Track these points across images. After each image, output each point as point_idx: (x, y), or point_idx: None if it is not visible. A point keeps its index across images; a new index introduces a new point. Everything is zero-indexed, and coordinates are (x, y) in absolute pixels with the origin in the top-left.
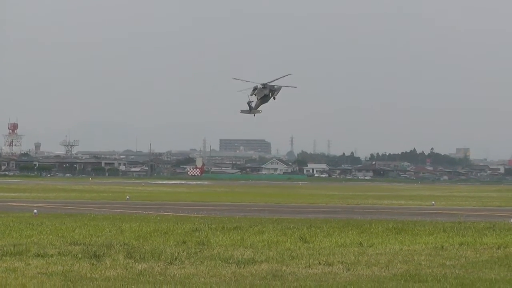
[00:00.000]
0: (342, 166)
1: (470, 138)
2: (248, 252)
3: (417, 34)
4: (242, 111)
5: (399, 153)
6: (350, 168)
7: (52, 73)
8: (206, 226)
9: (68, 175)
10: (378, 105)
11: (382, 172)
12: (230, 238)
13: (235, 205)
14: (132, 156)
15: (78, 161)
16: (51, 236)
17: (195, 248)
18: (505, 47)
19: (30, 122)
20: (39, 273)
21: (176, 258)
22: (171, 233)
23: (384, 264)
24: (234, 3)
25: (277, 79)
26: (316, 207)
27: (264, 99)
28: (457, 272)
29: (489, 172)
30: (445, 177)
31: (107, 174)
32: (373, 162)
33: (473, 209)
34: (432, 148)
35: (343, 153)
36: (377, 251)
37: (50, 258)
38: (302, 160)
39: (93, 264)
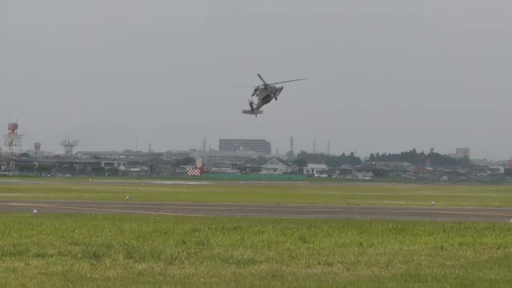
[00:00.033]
0: (342, 166)
1: (470, 138)
2: (248, 252)
3: (417, 34)
4: (244, 112)
5: (399, 153)
6: (350, 168)
7: (52, 73)
8: (206, 226)
9: (68, 175)
10: (378, 105)
11: (382, 172)
12: (230, 238)
13: (235, 205)
14: (132, 156)
15: (78, 161)
16: (51, 236)
17: (195, 248)
18: (505, 47)
19: (30, 122)
20: (39, 273)
21: (176, 258)
22: (171, 233)
23: (384, 264)
24: (234, 3)
25: (291, 80)
26: (316, 207)
27: (265, 99)
28: (457, 272)
29: (489, 172)
30: (445, 177)
31: (107, 174)
32: (373, 162)
33: (473, 209)
34: (432, 148)
35: (343, 153)
36: (377, 251)
37: (50, 258)
38: (302, 160)
39: (93, 264)
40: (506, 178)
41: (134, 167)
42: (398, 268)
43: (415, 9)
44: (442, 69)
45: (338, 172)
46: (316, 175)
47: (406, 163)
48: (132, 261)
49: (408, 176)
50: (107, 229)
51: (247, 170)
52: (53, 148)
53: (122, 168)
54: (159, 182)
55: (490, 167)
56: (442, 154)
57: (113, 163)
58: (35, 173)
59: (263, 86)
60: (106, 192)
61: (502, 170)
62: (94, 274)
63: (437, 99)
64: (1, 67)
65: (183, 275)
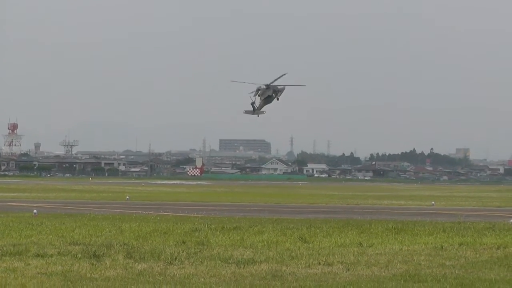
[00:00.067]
0: (342, 166)
1: (470, 138)
2: (247, 252)
3: (417, 34)
4: (246, 112)
5: (399, 153)
6: (350, 168)
7: (52, 73)
8: (206, 226)
9: (68, 175)
10: (378, 105)
11: (382, 172)
12: (229, 238)
13: (235, 205)
14: (132, 156)
15: (78, 161)
16: (51, 236)
17: (194, 248)
18: (505, 47)
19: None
20: (38, 273)
21: (175, 258)
22: (171, 233)
23: (383, 264)
24: (234, 3)
25: (276, 79)
26: (316, 207)
27: (267, 99)
28: (456, 272)
29: (488, 172)
30: (445, 177)
31: (106, 174)
32: (373, 162)
33: (472, 209)
34: (432, 148)
35: (343, 153)
36: (376, 251)
37: (49, 258)
38: (302, 160)
39: (92, 264)
40: (506, 178)
41: (134, 167)
42: (398, 268)
43: (415, 9)
44: (442, 69)
45: (338, 172)
46: (316, 175)
47: (406, 163)
48: (132, 261)
49: (408, 176)
50: (107, 229)
51: (247, 170)
52: (53, 148)
53: (122, 168)
54: (159, 182)
55: (490, 167)
56: (442, 154)
57: (113, 163)
58: (35, 173)
59: (265, 87)
60: (106, 192)
61: (502, 170)
62: (94, 274)
63: (437, 99)
64: (1, 67)
65: (183, 275)
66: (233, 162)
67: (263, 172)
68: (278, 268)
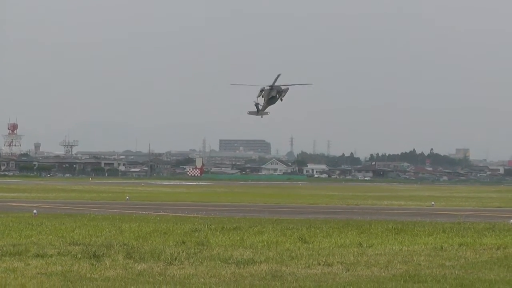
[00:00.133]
0: (342, 167)
1: (470, 139)
2: (247, 253)
3: (417, 34)
4: (250, 113)
5: (399, 153)
6: (350, 168)
7: (52, 73)
8: (206, 226)
9: (68, 175)
10: (378, 105)
11: (381, 173)
12: (229, 238)
13: (235, 205)
14: (132, 157)
15: (78, 161)
16: (51, 236)
17: (194, 249)
18: (505, 47)
19: (29, 122)
20: (38, 273)
21: (175, 259)
22: (171, 233)
23: (383, 264)
24: (234, 3)
25: (274, 80)
26: (316, 208)
27: (271, 100)
28: (456, 272)
29: (488, 172)
30: (445, 178)
31: (106, 175)
32: (373, 163)
33: (472, 210)
34: (431, 149)
35: (343, 154)
36: (376, 252)
37: (49, 258)
38: (302, 160)
39: (92, 264)
40: (506, 178)
41: (134, 167)
42: (398, 268)
43: (415, 9)
44: (442, 69)
45: (338, 172)
46: (316, 176)
47: (406, 164)
48: (132, 261)
49: (408, 177)
50: (107, 229)
51: (247, 170)
52: (53, 148)
53: (122, 168)
54: (159, 182)
55: (490, 167)
56: (442, 154)
57: (113, 163)
58: (35, 173)
59: (269, 87)
60: (106, 192)
61: (502, 171)
62: (93, 274)
63: (437, 99)
64: (1, 67)
65: (182, 276)
66: (233, 163)
67: (263, 173)
68: (278, 269)
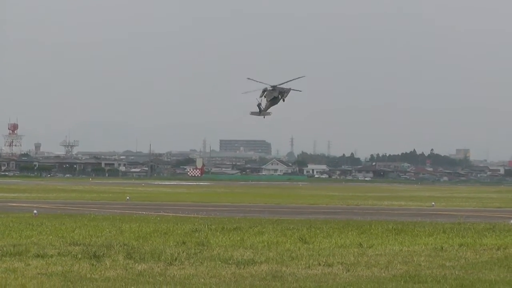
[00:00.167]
0: (342, 167)
1: (470, 139)
2: (248, 253)
3: (417, 34)
4: (252, 113)
5: (399, 154)
6: (350, 169)
7: (52, 73)
8: (206, 226)
9: (68, 175)
10: (378, 105)
11: (382, 173)
12: (230, 238)
13: (235, 205)
14: (132, 157)
15: (78, 161)
16: (51, 237)
17: (195, 249)
18: (505, 47)
19: (30, 123)
20: (38, 273)
21: (176, 259)
22: (171, 233)
23: (383, 265)
24: (234, 3)
25: (289, 80)
26: (316, 208)
27: (273, 101)
28: (456, 273)
29: (489, 173)
30: (445, 178)
31: (107, 175)
32: (373, 163)
33: (473, 210)
34: (432, 149)
35: (343, 154)
36: (377, 252)
37: (50, 258)
38: (302, 161)
39: (93, 265)
40: (506, 179)
41: (134, 168)
42: (398, 269)
43: (415, 9)
44: (442, 69)
45: (338, 172)
46: (316, 176)
47: (406, 164)
48: (132, 261)
49: (408, 177)
50: (107, 230)
51: (248, 170)
52: (53, 148)
53: (122, 168)
54: (159, 182)
55: (490, 168)
56: (442, 155)
57: (113, 164)
58: (35, 174)
59: (271, 88)
60: (106, 193)
61: (502, 171)
62: (94, 274)
63: (437, 99)
64: (1, 67)
65: (183, 276)
66: (234, 163)
67: (264, 173)
68: (278, 269)
